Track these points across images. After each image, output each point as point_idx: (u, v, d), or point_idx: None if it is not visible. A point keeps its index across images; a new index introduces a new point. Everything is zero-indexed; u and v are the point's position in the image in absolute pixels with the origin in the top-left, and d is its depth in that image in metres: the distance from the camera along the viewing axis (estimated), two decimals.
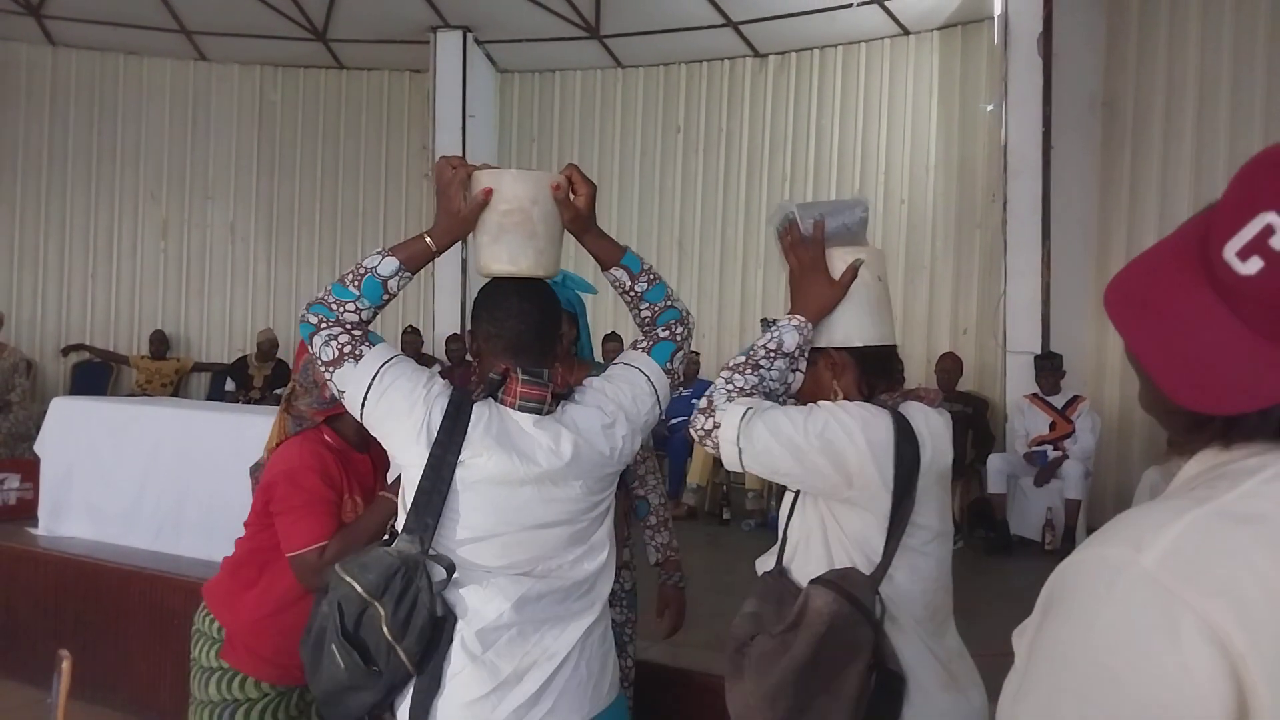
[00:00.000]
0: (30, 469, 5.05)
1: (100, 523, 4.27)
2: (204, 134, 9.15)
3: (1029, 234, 6.08)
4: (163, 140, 9.09)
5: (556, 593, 1.55)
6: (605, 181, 8.59)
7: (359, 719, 1.53)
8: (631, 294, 1.70)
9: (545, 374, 1.57)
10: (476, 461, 1.49)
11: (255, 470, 2.24)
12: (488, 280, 1.67)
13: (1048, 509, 5.45)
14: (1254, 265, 0.66)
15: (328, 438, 2.05)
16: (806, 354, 1.58)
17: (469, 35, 8.21)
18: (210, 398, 8.42)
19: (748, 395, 1.53)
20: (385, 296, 1.58)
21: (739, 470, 1.54)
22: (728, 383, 1.55)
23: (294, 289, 9.20)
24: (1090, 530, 5.43)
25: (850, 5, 7.17)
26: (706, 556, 5.07)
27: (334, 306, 1.56)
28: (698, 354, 7.07)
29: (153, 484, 4.14)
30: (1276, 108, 5.58)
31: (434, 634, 1.46)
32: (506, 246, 1.60)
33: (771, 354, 1.55)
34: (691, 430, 1.58)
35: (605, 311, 7.91)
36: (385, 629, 1.44)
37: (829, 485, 1.48)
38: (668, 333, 1.72)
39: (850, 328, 1.57)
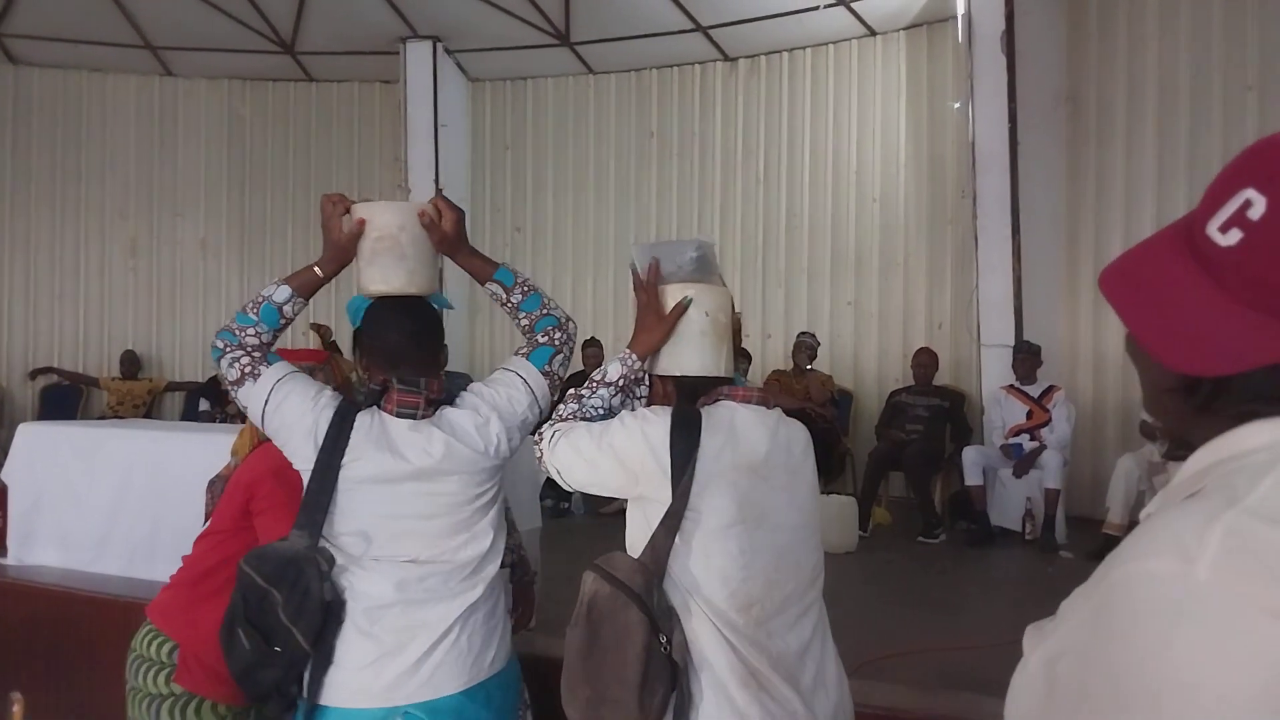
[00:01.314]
0: None
1: (71, 550, 4.19)
2: (172, 150, 9.05)
3: (999, 229, 6.14)
4: (130, 157, 8.99)
5: (439, 575, 1.72)
6: (581, 187, 8.62)
7: (269, 693, 1.70)
8: (508, 305, 1.91)
9: (421, 383, 1.75)
10: (358, 464, 1.70)
11: (215, 484, 2.20)
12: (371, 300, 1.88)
13: (1027, 499, 5.50)
14: (1233, 237, 0.71)
15: None
16: (644, 379, 1.75)
17: (439, 45, 8.18)
18: (185, 418, 8.31)
19: (564, 421, 1.70)
20: (281, 321, 1.81)
21: (571, 490, 1.71)
22: (555, 413, 1.73)
23: None
24: (1070, 519, 5.51)
25: (817, 8, 7.22)
26: None
27: (237, 332, 1.78)
28: None
29: (125, 509, 4.07)
30: (1233, 100, 5.66)
31: (325, 617, 1.66)
32: (380, 268, 1.81)
33: (595, 384, 1.72)
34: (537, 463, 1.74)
35: (584, 318, 7.91)
36: (281, 614, 1.64)
37: (623, 485, 1.62)
38: (545, 338, 1.90)
39: (669, 359, 1.72)
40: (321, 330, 2.30)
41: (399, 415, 1.73)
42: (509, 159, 8.85)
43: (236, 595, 1.69)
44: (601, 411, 1.72)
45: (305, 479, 1.73)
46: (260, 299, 1.80)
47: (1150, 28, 6.03)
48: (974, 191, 6.26)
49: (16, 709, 1.79)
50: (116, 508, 4.10)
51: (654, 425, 1.59)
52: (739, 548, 1.54)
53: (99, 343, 8.86)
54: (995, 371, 6.05)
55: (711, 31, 7.79)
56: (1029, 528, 5.46)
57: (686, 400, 1.68)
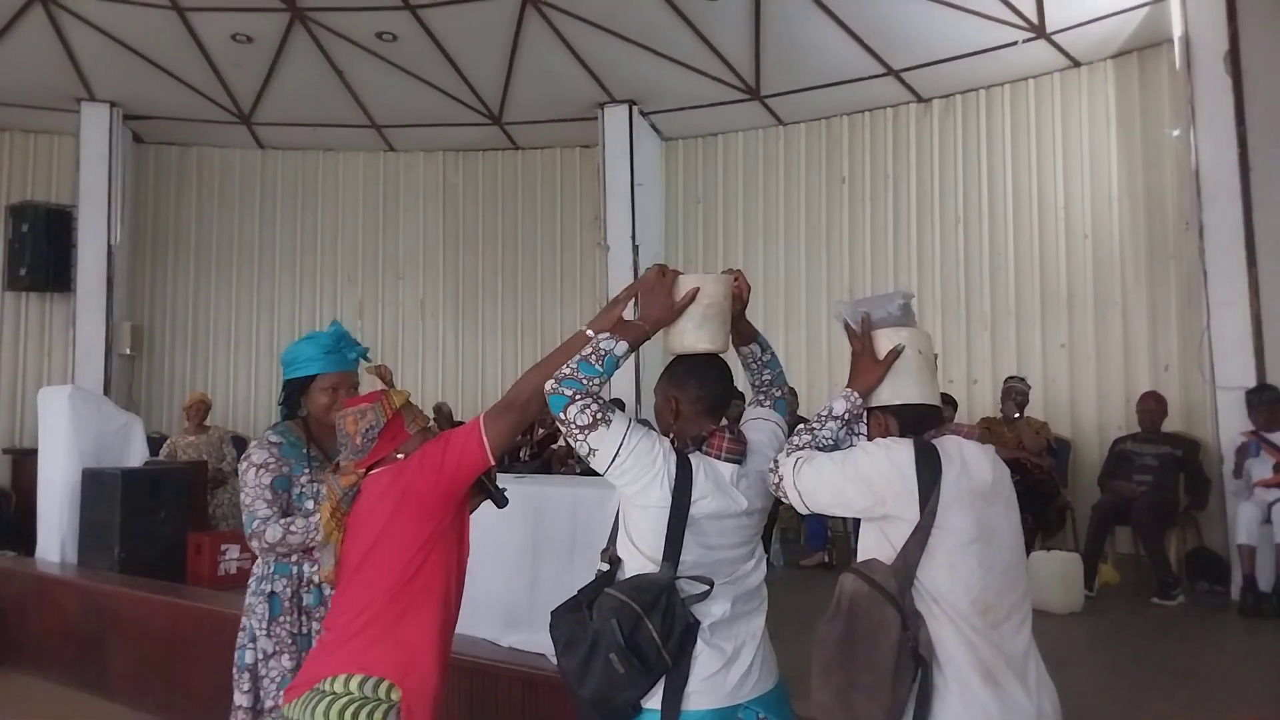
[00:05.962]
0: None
1: None
2: (394, 219, 9.92)
3: (1231, 261, 5.71)
4: (357, 227, 9.92)
5: (745, 594, 1.99)
6: (771, 235, 8.72)
7: (623, 709, 1.89)
8: (758, 363, 2.22)
9: (739, 431, 1.99)
10: (702, 502, 1.92)
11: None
12: (676, 356, 2.08)
13: None
14: None
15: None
16: (862, 416, 1.97)
17: (634, 108, 8.58)
18: None
19: (799, 451, 1.90)
20: (615, 371, 2.00)
21: (806, 513, 1.91)
22: (788, 444, 1.94)
23: (480, 359, 9.77)
24: None
25: (1015, 43, 7.04)
26: None
27: (584, 381, 1.94)
28: None
29: None
30: None
31: (685, 637, 1.88)
32: (708, 330, 2.04)
33: (823, 418, 1.95)
34: (769, 489, 1.95)
35: None
36: (655, 636, 1.84)
37: (868, 506, 1.83)
38: (780, 392, 2.22)
39: (891, 391, 1.95)
40: (383, 371, 2.46)
41: (726, 460, 1.95)
42: (700, 212, 9.09)
43: (600, 624, 1.86)
44: (830, 443, 1.93)
45: (650, 513, 1.92)
46: (603, 352, 1.95)
47: None
48: (1200, 222, 5.86)
49: None
50: None
51: (899, 452, 1.82)
52: (978, 561, 1.77)
53: None
54: (1234, 416, 5.59)
55: (904, 74, 7.75)
56: None
57: (908, 431, 1.90)
